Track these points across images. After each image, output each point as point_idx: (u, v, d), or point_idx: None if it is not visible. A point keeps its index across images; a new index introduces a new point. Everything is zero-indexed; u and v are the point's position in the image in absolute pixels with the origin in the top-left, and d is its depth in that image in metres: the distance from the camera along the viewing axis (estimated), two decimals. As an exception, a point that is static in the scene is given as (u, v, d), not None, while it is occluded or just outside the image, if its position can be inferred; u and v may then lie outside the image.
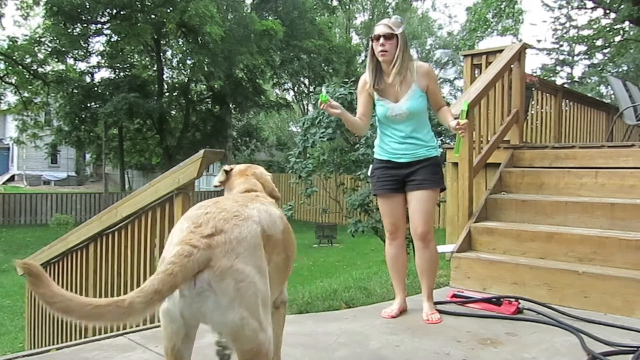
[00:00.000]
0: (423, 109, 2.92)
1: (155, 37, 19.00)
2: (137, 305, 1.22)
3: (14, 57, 17.81)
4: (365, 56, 20.69)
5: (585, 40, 16.91)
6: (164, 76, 21.58)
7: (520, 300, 3.08)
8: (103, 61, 20.30)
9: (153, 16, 17.48)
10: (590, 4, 15.77)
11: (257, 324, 1.38)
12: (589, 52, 19.73)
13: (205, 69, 18.39)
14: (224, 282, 1.33)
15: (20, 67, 18.19)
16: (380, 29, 2.85)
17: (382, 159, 2.99)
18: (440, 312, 3.05)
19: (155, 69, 21.07)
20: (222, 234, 1.38)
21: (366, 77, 2.96)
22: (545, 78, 13.98)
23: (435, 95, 2.96)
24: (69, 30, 17.76)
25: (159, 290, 1.25)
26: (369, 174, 3.16)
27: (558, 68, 23.40)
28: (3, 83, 19.14)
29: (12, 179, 31.07)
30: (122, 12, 17.92)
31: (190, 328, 1.41)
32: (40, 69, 18.93)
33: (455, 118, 2.85)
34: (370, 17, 31.88)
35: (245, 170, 2.01)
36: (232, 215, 1.45)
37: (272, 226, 1.59)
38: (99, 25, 18.83)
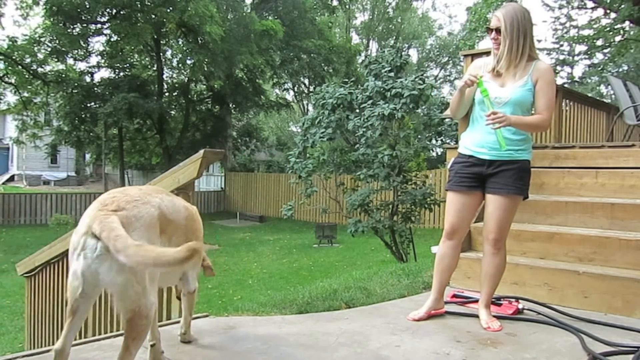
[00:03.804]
0: (525, 102, 2.68)
1: (155, 37, 19.00)
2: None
3: (14, 57, 17.81)
4: (366, 56, 20.71)
5: (586, 40, 16.94)
6: (164, 76, 21.59)
7: (520, 300, 3.08)
8: (103, 61, 20.31)
9: (153, 16, 17.48)
10: (590, 4, 15.80)
11: (140, 288, 1.66)
12: (589, 52, 19.78)
13: (205, 69, 18.38)
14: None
15: (20, 67, 18.20)
16: (493, 21, 2.68)
17: (465, 153, 2.80)
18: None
19: (155, 69, 21.08)
20: (124, 211, 1.69)
21: (484, 60, 2.84)
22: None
23: (540, 97, 2.65)
24: (69, 30, 17.77)
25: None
26: (448, 167, 2.94)
27: (558, 68, 23.44)
28: (3, 83, 19.14)
29: (11, 179, 31.09)
30: (122, 12, 17.92)
31: (88, 286, 1.67)
32: (40, 69, 18.94)
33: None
34: (370, 17, 31.92)
35: None
36: (133, 199, 1.76)
37: (173, 212, 1.91)
38: (99, 25, 18.84)
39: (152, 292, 1.72)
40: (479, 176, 2.75)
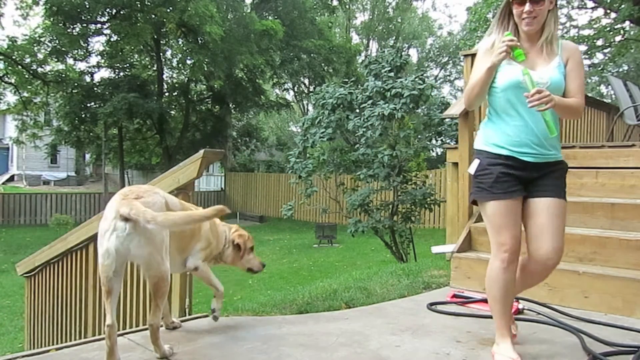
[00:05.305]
0: (562, 86, 2.25)
1: (155, 37, 18.97)
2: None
3: (14, 57, 17.79)
4: (366, 56, 20.68)
5: (586, 40, 16.91)
6: (164, 76, 21.57)
7: (520, 300, 3.07)
8: (103, 61, 20.28)
9: (153, 16, 17.46)
10: (590, 4, 15.79)
11: (160, 258, 2.15)
12: (589, 52, 19.73)
13: (205, 68, 18.37)
14: (143, 228, 2.04)
15: (19, 67, 18.17)
16: None
17: (501, 153, 2.27)
18: (440, 312, 3.05)
19: (155, 69, 21.06)
20: (142, 198, 2.13)
21: (494, 38, 2.32)
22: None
23: (572, 79, 2.25)
24: (69, 30, 17.75)
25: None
26: (471, 171, 2.37)
27: (558, 68, 23.39)
28: (3, 83, 19.12)
29: (11, 179, 31.07)
30: (122, 12, 17.90)
31: (119, 264, 2.08)
32: (39, 69, 18.90)
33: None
34: (370, 16, 31.91)
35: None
36: (147, 190, 2.24)
37: (173, 202, 2.37)
38: (99, 25, 18.81)
39: (167, 261, 2.19)
40: (521, 180, 2.28)
